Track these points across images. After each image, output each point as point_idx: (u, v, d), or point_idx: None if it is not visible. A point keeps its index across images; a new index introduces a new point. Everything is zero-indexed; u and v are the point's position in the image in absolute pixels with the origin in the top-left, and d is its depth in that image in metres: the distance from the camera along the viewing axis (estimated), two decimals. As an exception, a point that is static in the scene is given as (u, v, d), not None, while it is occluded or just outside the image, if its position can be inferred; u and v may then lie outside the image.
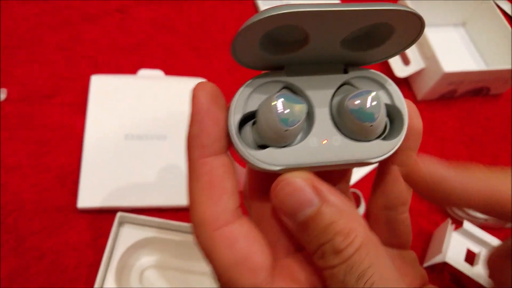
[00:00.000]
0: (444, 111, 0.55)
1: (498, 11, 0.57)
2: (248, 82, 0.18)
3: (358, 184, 0.47)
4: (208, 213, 0.17)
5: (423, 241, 0.45)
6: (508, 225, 0.46)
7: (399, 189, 0.21)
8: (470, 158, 0.52)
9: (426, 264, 0.42)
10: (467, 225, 0.42)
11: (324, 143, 0.18)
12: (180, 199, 0.40)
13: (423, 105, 0.55)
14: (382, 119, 0.18)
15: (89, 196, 0.39)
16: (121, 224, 0.37)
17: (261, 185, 0.21)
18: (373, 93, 0.18)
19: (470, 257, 0.41)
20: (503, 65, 0.53)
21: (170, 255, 0.37)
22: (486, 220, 0.45)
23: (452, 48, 0.60)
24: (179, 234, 0.37)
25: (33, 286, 0.36)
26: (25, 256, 0.37)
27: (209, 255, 0.17)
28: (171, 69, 0.49)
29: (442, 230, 0.43)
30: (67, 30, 0.50)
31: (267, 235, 0.19)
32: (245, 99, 0.18)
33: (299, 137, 0.18)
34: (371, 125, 0.18)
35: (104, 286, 0.34)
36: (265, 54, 0.18)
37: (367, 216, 0.23)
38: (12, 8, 0.51)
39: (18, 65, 0.47)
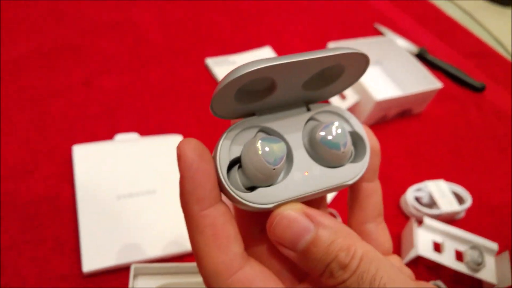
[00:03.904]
0: (381, 133, 0.65)
1: (401, 47, 0.72)
2: (226, 132, 0.20)
3: (331, 204, 0.53)
4: (220, 263, 0.18)
5: (395, 244, 0.51)
6: (458, 216, 0.55)
7: (373, 202, 0.23)
8: (413, 167, 0.61)
9: (403, 262, 0.48)
10: (427, 220, 0.48)
11: (306, 175, 0.20)
12: (182, 246, 0.43)
13: (364, 131, 0.64)
14: (350, 144, 0.20)
15: (93, 258, 0.40)
16: (135, 276, 0.38)
17: (253, 227, 0.22)
18: (336, 123, 0.20)
19: (437, 247, 0.47)
20: (418, 88, 0.65)
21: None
22: (440, 215, 0.52)
23: (374, 83, 0.72)
24: (198, 276, 0.39)
25: None
26: (37, 332, 0.36)
27: None
28: (145, 130, 0.53)
29: (408, 229, 0.50)
30: (35, 107, 0.53)
31: None
32: (228, 148, 0.19)
33: (281, 175, 0.20)
34: (343, 152, 0.20)
35: None
36: (239, 104, 0.20)
37: None
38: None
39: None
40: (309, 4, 0.88)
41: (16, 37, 0.63)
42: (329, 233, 0.18)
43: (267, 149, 0.18)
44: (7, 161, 0.47)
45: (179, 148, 0.18)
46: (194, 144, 0.18)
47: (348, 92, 0.64)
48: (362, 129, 0.22)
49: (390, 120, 0.67)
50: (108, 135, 0.52)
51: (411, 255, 0.47)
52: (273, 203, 0.19)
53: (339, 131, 0.20)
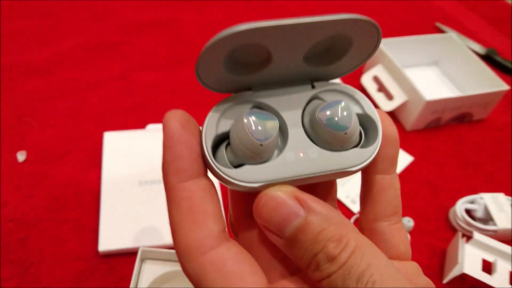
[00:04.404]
0: (434, 139, 0.61)
1: (464, 45, 0.67)
2: (217, 104, 0.19)
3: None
4: (193, 239, 0.17)
5: (439, 258, 0.47)
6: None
7: (387, 198, 0.21)
8: (468, 178, 0.56)
9: (445, 280, 0.44)
10: (477, 235, 0.44)
11: (301, 156, 0.19)
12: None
13: (412, 135, 0.60)
14: (355, 126, 0.19)
15: (109, 239, 0.42)
16: (143, 260, 0.39)
17: (245, 210, 0.21)
18: (343, 103, 0.18)
19: (487, 267, 0.43)
20: (479, 91, 0.60)
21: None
22: (495, 232, 0.48)
23: (429, 84, 0.68)
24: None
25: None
26: (49, 305, 0.39)
27: (198, 282, 0.17)
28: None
29: (455, 244, 0.46)
30: (74, 97, 0.58)
31: (258, 262, 0.18)
32: (216, 121, 0.19)
33: (275, 153, 0.19)
34: (346, 133, 0.18)
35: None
36: (231, 76, 0.19)
37: (360, 231, 0.22)
38: (21, 83, 0.59)
39: (34, 130, 0.53)
40: (363, 2, 0.86)
41: (64, 33, 0.69)
42: (320, 220, 0.17)
43: (255, 123, 0.18)
44: (43, 145, 0.51)
45: (164, 118, 0.18)
46: (180, 115, 0.18)
47: (395, 91, 0.61)
48: (375, 112, 0.20)
49: (446, 125, 0.63)
50: (140, 126, 0.54)
51: (454, 272, 0.43)
52: (260, 182, 0.18)
53: (344, 110, 0.18)
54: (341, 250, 0.16)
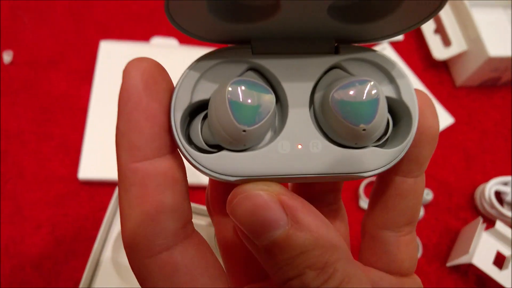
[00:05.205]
0: (485, 100, 0.54)
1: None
2: (197, 59, 0.15)
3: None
4: (141, 235, 0.14)
5: (449, 239, 0.45)
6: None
7: (404, 206, 0.18)
8: (508, 153, 0.50)
9: (450, 264, 0.42)
10: (499, 225, 0.41)
11: (299, 149, 0.15)
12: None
13: (461, 92, 0.53)
14: (380, 121, 0.14)
15: (91, 167, 0.40)
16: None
17: (224, 194, 0.18)
18: (370, 84, 0.14)
19: (499, 260, 0.40)
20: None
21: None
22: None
23: (500, 31, 0.58)
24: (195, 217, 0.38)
25: (28, 256, 0.37)
26: (22, 225, 0.38)
27: (143, 285, 0.15)
28: (186, 38, 0.49)
29: (471, 228, 0.43)
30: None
31: (231, 256, 0.17)
32: (193, 84, 0.14)
33: (267, 137, 0.15)
34: (365, 129, 0.14)
35: (100, 265, 0.35)
36: (220, 21, 0.14)
37: (362, 235, 0.20)
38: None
39: (26, 28, 0.48)
40: None
41: None
42: (305, 238, 0.14)
43: (243, 98, 0.13)
44: (34, 47, 0.47)
45: (124, 70, 0.14)
46: (146, 68, 0.14)
47: (455, 37, 0.53)
48: (414, 99, 0.15)
49: (503, 86, 0.55)
50: (144, 37, 0.49)
51: (461, 260, 0.41)
52: (237, 176, 0.14)
53: (371, 97, 0.14)
54: (322, 283, 0.13)
